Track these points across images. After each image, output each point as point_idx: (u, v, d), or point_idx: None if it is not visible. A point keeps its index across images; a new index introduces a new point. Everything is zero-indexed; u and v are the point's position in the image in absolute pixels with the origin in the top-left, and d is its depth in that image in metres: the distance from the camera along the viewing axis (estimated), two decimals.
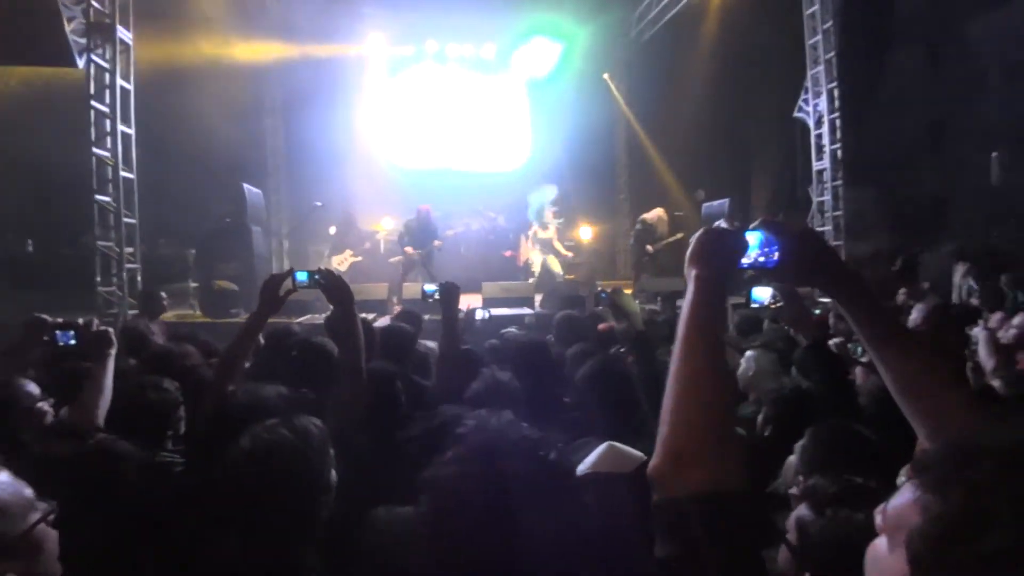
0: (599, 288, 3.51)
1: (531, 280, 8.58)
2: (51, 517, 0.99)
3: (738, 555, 0.68)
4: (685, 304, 0.85)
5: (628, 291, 2.85)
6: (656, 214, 8.78)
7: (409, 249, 8.01)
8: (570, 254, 9.23)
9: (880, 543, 0.61)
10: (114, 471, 1.35)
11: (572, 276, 9.19)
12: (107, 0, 6.33)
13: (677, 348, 0.81)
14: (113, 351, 1.94)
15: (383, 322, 4.16)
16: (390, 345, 2.61)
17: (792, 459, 1.54)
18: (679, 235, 8.55)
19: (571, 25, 10.70)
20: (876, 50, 8.41)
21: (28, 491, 0.97)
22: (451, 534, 0.76)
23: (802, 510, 1.21)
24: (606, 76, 11.65)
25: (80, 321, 2.10)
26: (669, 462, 0.73)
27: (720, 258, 0.88)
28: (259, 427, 1.19)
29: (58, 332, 2.03)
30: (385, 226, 9.90)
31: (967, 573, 0.49)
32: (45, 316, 2.04)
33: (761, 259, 0.91)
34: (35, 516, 0.96)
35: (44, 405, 2.14)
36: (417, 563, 0.83)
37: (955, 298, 5.62)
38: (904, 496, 0.58)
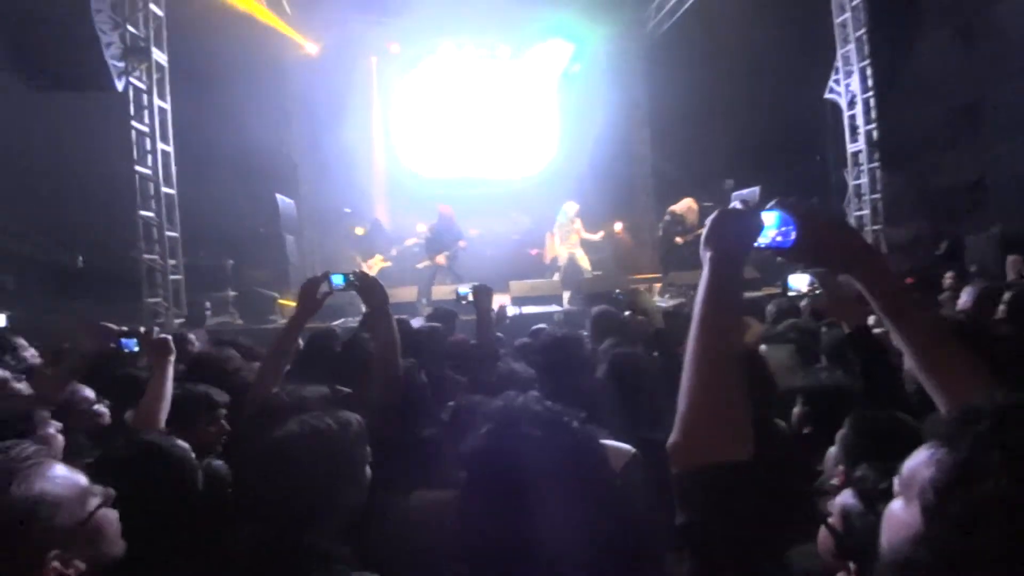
0: (616, 291, 3.52)
1: (556, 276, 8.56)
2: (110, 501, 1.05)
3: (747, 521, 0.73)
4: (700, 285, 0.86)
5: (644, 289, 2.88)
6: (686, 204, 8.61)
7: (440, 259, 8.09)
8: (598, 235, 9.06)
9: (894, 505, 0.65)
10: (167, 465, 1.42)
11: (599, 272, 9.13)
12: (141, 24, 6.63)
13: (693, 328, 0.83)
14: (172, 358, 2.02)
15: (416, 323, 4.24)
16: (420, 341, 2.66)
17: (833, 449, 1.51)
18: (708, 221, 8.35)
19: (585, 22, 10.63)
20: (906, 30, 8.09)
21: (83, 479, 1.01)
22: (485, 505, 0.79)
23: (848, 498, 1.18)
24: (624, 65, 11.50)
25: (142, 330, 2.23)
26: (685, 437, 0.78)
27: (736, 239, 0.89)
28: (305, 415, 1.25)
29: (123, 340, 2.15)
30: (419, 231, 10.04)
31: (968, 516, 0.53)
32: (111, 324, 2.17)
33: (778, 239, 0.91)
34: (94, 502, 1.00)
35: (100, 407, 2.28)
36: (451, 541, 0.86)
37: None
38: (918, 456, 0.62)
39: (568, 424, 0.84)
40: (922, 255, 7.39)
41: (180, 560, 1.21)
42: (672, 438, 0.79)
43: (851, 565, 1.11)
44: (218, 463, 1.54)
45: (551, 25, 10.72)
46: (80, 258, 8.83)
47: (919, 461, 0.61)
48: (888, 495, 1.11)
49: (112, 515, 1.03)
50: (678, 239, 8.43)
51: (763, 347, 2.40)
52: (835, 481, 1.38)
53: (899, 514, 0.63)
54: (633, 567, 0.83)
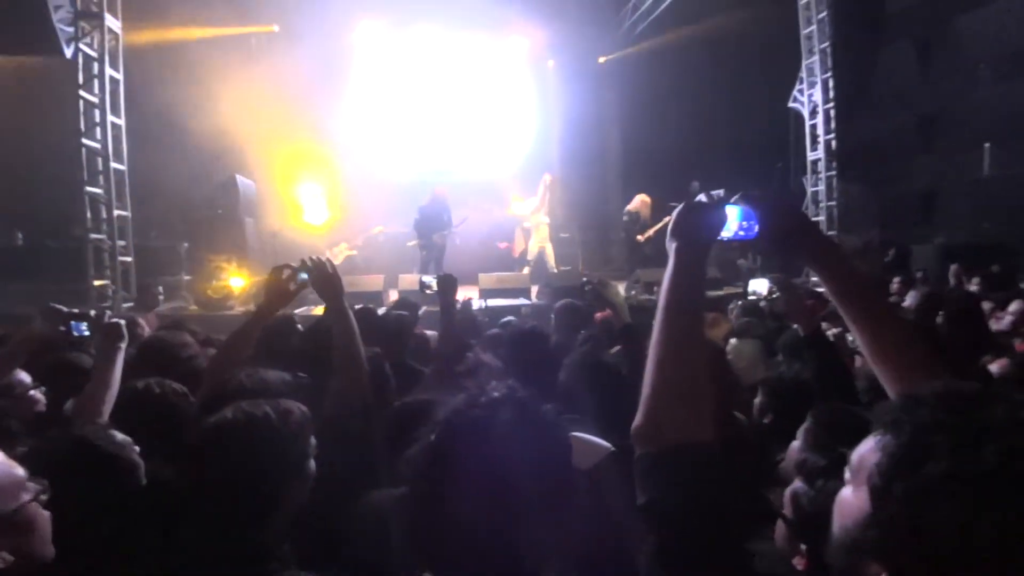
0: (584, 280, 3.53)
1: (525, 270, 8.56)
2: (43, 497, 0.99)
3: (706, 500, 0.74)
4: (666, 275, 0.89)
5: (611, 281, 2.88)
6: (639, 200, 8.68)
7: (438, 237, 7.90)
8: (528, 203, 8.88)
9: (844, 491, 0.67)
10: (98, 463, 1.33)
11: (567, 268, 9.19)
12: None
13: (658, 317, 0.85)
14: (123, 344, 1.89)
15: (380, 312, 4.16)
16: (386, 330, 2.61)
17: (796, 443, 1.56)
18: (667, 220, 8.51)
19: (560, 20, 10.64)
20: (869, 43, 8.45)
21: (19, 471, 0.97)
22: (451, 502, 0.76)
23: (796, 484, 1.24)
24: (601, 60, 11.56)
25: (92, 313, 2.08)
26: (648, 421, 0.80)
27: (700, 231, 0.93)
28: (243, 402, 1.18)
29: (73, 323, 2.01)
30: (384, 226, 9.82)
31: (910, 501, 0.56)
32: (60, 306, 2.02)
33: (741, 232, 0.94)
34: (26, 496, 0.95)
35: (36, 393, 2.14)
36: (401, 540, 0.83)
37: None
38: (866, 443, 0.64)
39: (544, 417, 0.82)
40: (872, 262, 7.74)
41: (115, 565, 1.14)
42: (637, 421, 0.80)
43: (802, 547, 1.15)
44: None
45: (527, 20, 10.68)
46: (20, 235, 8.29)
47: (866, 448, 0.63)
48: (828, 473, 1.15)
49: (44, 514, 0.98)
50: (639, 237, 8.54)
51: (733, 341, 2.46)
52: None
53: (849, 499, 0.65)
54: (606, 566, 0.82)
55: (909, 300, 3.49)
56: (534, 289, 7.64)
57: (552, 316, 3.65)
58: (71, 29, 6.08)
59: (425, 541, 0.79)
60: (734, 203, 0.95)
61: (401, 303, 3.68)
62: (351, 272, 7.89)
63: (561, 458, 0.80)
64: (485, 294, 6.80)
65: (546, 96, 11.53)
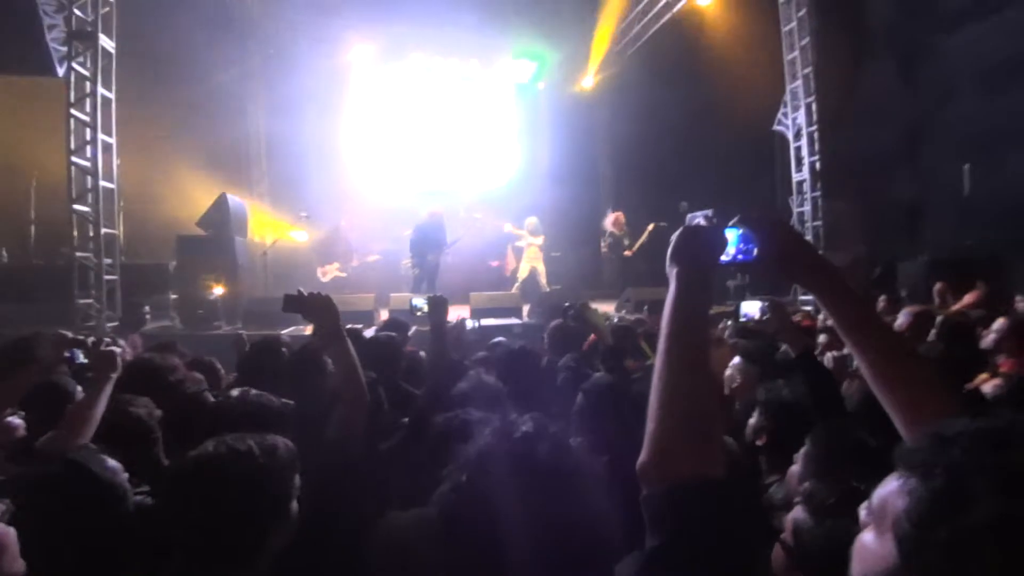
0: (567, 304, 3.55)
1: (515, 288, 8.58)
2: (6, 516, 0.98)
3: (722, 540, 0.70)
4: (667, 302, 0.86)
5: (602, 305, 2.91)
6: (611, 219, 9.04)
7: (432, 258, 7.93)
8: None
9: (866, 536, 0.63)
10: (92, 487, 1.30)
11: (557, 286, 9.21)
12: (90, 8, 6.27)
13: (661, 345, 0.82)
14: (115, 375, 1.81)
15: (370, 333, 4.13)
16: (377, 353, 2.59)
17: (795, 468, 1.53)
18: (650, 226, 8.70)
19: (553, 41, 10.87)
20: (852, 63, 8.67)
21: None
22: (473, 529, 0.74)
23: (799, 513, 1.22)
24: (588, 87, 11.77)
25: (91, 340, 2.04)
26: (656, 457, 0.75)
27: (700, 255, 0.90)
28: (228, 435, 1.13)
29: (73, 350, 1.97)
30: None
31: (953, 549, 0.51)
32: (66, 332, 1.98)
33: (740, 256, 0.93)
34: None
35: (14, 419, 2.07)
36: (437, 562, 0.81)
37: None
38: (889, 485, 0.60)
39: (578, 455, 0.80)
40: (859, 279, 7.83)
41: None
42: (642, 457, 0.76)
43: None
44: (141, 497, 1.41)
45: (517, 42, 10.89)
46: (3, 252, 8.18)
47: (890, 491, 0.59)
48: (837, 509, 1.13)
49: (11, 532, 0.97)
50: (626, 252, 8.70)
51: (736, 360, 2.46)
52: (798, 499, 1.37)
53: (871, 546, 0.61)
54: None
55: (901, 319, 3.53)
56: (525, 308, 7.65)
57: (545, 336, 3.65)
58: (64, 48, 6.10)
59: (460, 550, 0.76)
60: (732, 226, 0.94)
61: (390, 323, 3.65)
62: (340, 291, 7.86)
63: (600, 498, 0.78)
64: (477, 313, 6.79)
65: (536, 117, 11.70)
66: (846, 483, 1.18)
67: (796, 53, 8.37)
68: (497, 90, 11.71)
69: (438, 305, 2.41)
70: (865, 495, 1.13)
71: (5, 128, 7.79)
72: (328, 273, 9.01)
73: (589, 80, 11.71)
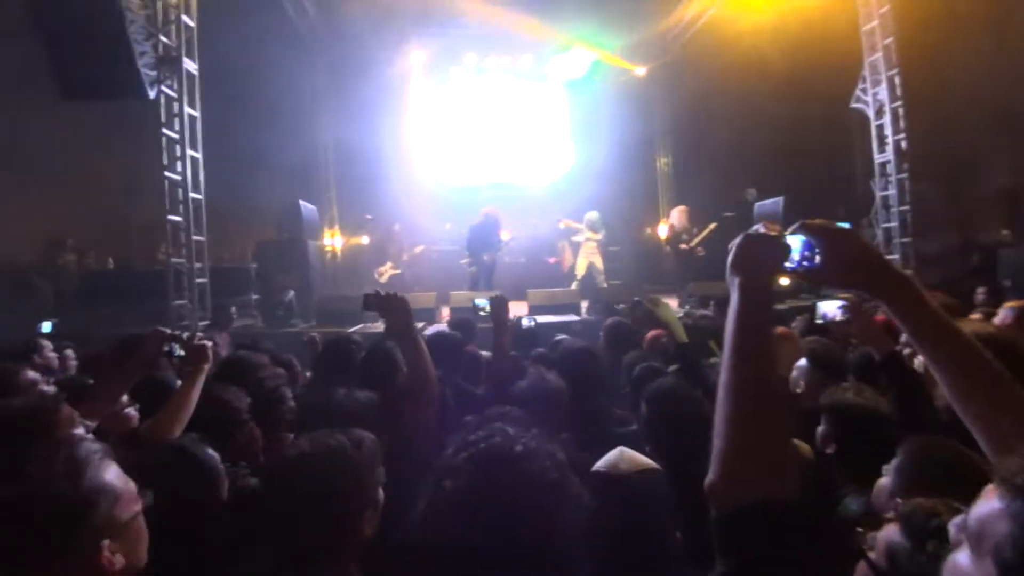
0: (636, 298, 3.47)
1: (574, 285, 8.53)
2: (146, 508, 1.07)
3: (794, 566, 0.68)
4: (730, 313, 0.84)
5: (667, 300, 2.78)
6: (676, 212, 8.84)
7: (488, 257, 8.14)
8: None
9: (960, 557, 0.59)
10: (198, 472, 1.44)
11: (617, 282, 9.08)
12: (174, 35, 6.83)
13: (726, 359, 0.80)
14: (207, 366, 1.97)
15: (432, 330, 4.27)
16: (438, 351, 2.68)
17: (884, 481, 1.43)
18: (712, 225, 8.41)
19: (607, 31, 10.67)
20: (936, 35, 7.91)
21: (132, 483, 1.05)
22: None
23: (894, 534, 1.14)
24: (642, 74, 11.48)
25: (185, 335, 2.23)
26: (725, 477, 0.73)
27: (763, 264, 0.87)
28: (319, 432, 1.21)
29: (171, 344, 2.17)
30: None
31: None
32: (164, 328, 2.17)
33: (804, 263, 0.89)
34: (138, 506, 1.04)
35: (131, 410, 2.32)
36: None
37: None
38: (989, 505, 0.56)
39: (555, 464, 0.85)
40: (953, 268, 7.19)
41: None
42: (710, 477, 0.73)
43: None
44: (253, 479, 1.52)
45: (572, 36, 10.78)
46: (109, 260, 9.12)
47: (990, 512, 0.56)
48: (939, 534, 1.02)
49: (144, 524, 1.06)
50: (683, 246, 8.49)
51: (802, 363, 2.34)
52: (891, 515, 1.28)
53: (967, 569, 0.58)
54: None
55: (1003, 314, 3.09)
56: (584, 304, 7.59)
57: (600, 333, 3.62)
58: (154, 73, 6.67)
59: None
60: (794, 232, 0.90)
61: (458, 323, 3.76)
62: (399, 290, 8.12)
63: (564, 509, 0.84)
64: (535, 310, 6.83)
65: (592, 111, 11.53)
66: (946, 503, 1.09)
67: (875, 23, 7.73)
68: (552, 85, 11.67)
69: (499, 305, 2.48)
70: None
71: (103, 148, 8.65)
72: (384, 273, 9.38)
73: (644, 69, 11.42)
